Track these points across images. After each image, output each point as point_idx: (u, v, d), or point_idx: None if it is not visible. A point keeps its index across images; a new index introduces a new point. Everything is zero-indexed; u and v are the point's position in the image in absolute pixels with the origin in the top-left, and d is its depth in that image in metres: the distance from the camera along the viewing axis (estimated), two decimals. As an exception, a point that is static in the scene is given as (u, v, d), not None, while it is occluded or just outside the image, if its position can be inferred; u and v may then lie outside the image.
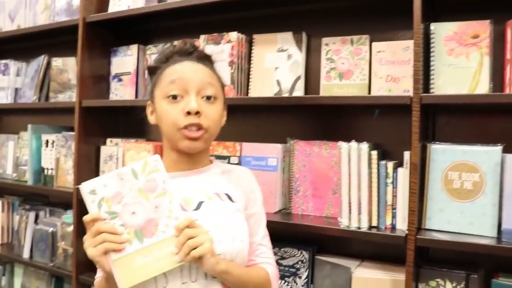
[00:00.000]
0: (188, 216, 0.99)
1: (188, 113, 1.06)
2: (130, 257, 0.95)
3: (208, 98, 1.11)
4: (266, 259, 1.19)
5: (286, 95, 1.65)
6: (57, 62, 2.24)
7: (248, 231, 1.14)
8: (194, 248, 0.95)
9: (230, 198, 1.15)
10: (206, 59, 1.20)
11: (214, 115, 1.11)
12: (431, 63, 1.39)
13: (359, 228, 1.42)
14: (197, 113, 1.07)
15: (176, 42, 1.21)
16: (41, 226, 2.19)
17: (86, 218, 0.95)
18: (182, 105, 1.08)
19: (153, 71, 1.19)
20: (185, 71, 1.11)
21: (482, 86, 1.33)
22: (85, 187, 0.96)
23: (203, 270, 1.01)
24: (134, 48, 2.01)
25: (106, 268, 0.94)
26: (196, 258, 0.95)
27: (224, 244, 1.04)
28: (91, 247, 0.93)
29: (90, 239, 0.94)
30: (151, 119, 1.18)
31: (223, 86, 1.20)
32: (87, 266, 2.02)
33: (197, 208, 1.08)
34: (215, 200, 1.12)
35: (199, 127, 1.08)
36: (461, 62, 1.35)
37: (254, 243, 1.18)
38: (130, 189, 0.97)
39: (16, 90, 2.40)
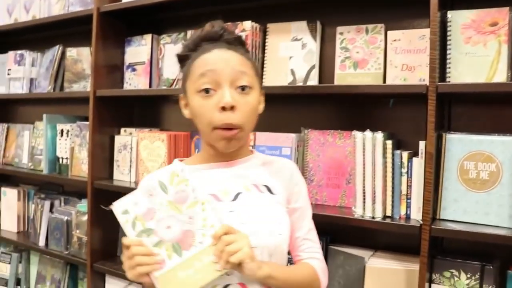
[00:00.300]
0: (224, 223, 0.97)
1: (223, 108, 1.01)
2: (172, 272, 0.94)
3: (243, 88, 1.04)
4: (312, 254, 1.16)
5: (300, 84, 1.65)
6: (71, 52, 2.26)
7: (289, 224, 1.11)
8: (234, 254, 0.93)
9: (269, 190, 1.11)
10: (236, 42, 1.13)
11: (249, 107, 1.05)
12: (448, 51, 1.37)
13: (373, 217, 1.41)
14: (232, 107, 1.02)
15: (206, 26, 1.14)
16: (56, 215, 2.22)
17: (123, 242, 0.95)
18: (215, 99, 1.02)
19: (182, 59, 1.14)
20: (215, 62, 1.04)
21: (500, 75, 1.31)
22: (118, 208, 0.96)
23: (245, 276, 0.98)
24: (148, 37, 2.01)
25: (150, 283, 0.95)
26: (236, 264, 0.93)
27: (261, 237, 1.02)
28: (128, 271, 0.94)
29: (127, 262, 0.95)
30: (186, 113, 1.14)
31: (257, 71, 1.13)
32: (102, 254, 2.06)
33: (234, 199, 1.07)
34: (253, 192, 1.09)
35: (233, 127, 1.03)
36: (479, 50, 1.33)
37: (299, 238, 1.15)
38: (161, 203, 0.97)
39: (32, 80, 2.42)
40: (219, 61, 1.04)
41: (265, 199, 1.09)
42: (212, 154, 1.12)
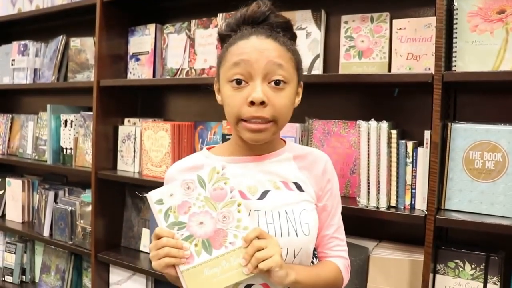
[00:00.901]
0: (257, 227, 0.96)
1: (252, 102, 0.96)
2: (199, 268, 0.93)
3: (277, 83, 0.98)
4: (338, 252, 1.14)
5: (305, 74, 1.63)
6: (75, 42, 2.25)
7: (317, 223, 1.08)
8: (263, 260, 0.91)
9: (299, 187, 1.07)
10: (280, 28, 1.05)
11: (282, 104, 0.99)
12: (454, 40, 1.35)
13: (377, 208, 1.41)
14: (262, 103, 0.96)
15: (252, 5, 1.07)
16: (60, 205, 2.22)
17: (155, 231, 0.94)
18: (246, 92, 0.97)
19: (223, 39, 1.08)
20: (251, 52, 0.98)
21: (507, 64, 1.29)
22: (153, 196, 0.95)
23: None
24: (151, 27, 2.00)
25: (173, 275, 0.94)
26: (264, 270, 0.92)
27: (287, 237, 1.00)
28: (155, 260, 0.93)
29: (154, 251, 0.93)
30: (218, 99, 1.09)
31: (297, 62, 1.05)
32: (106, 245, 2.06)
33: (261, 197, 1.04)
34: (282, 190, 1.06)
35: (264, 120, 0.98)
36: (485, 39, 1.32)
37: (326, 236, 1.13)
38: (197, 198, 0.96)
39: (35, 70, 2.42)
40: (254, 51, 0.98)
41: (294, 197, 1.06)
42: (241, 145, 1.08)
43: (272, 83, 0.98)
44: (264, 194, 1.04)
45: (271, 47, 0.99)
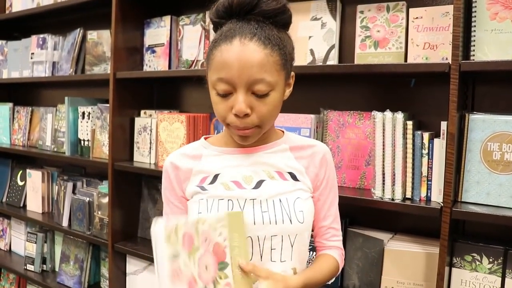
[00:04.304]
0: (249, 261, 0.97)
1: (236, 115, 0.96)
2: None
3: (261, 93, 0.96)
4: (334, 243, 1.16)
5: (320, 64, 1.62)
6: (92, 35, 2.27)
7: (312, 212, 1.10)
8: None
9: (294, 177, 1.09)
10: (271, 19, 0.99)
11: (267, 110, 0.98)
12: (472, 29, 1.32)
13: (392, 199, 1.39)
14: (246, 114, 0.96)
15: None
16: (78, 196, 2.26)
17: None
18: (231, 102, 0.97)
19: (215, 25, 1.05)
20: (232, 64, 0.93)
21: (528, 53, 1.26)
22: None
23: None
24: (167, 19, 2.00)
25: None
26: None
27: (282, 225, 1.02)
28: None
29: None
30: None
31: (284, 59, 0.99)
32: (122, 235, 2.09)
33: (256, 187, 1.05)
34: (277, 180, 1.07)
35: (248, 128, 0.99)
36: (506, 26, 1.28)
37: (324, 227, 1.15)
38: (185, 264, 0.92)
39: (54, 63, 2.45)
40: (236, 62, 0.93)
41: (289, 186, 1.07)
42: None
43: (256, 92, 0.96)
44: (259, 184, 1.05)
45: (254, 55, 0.94)
